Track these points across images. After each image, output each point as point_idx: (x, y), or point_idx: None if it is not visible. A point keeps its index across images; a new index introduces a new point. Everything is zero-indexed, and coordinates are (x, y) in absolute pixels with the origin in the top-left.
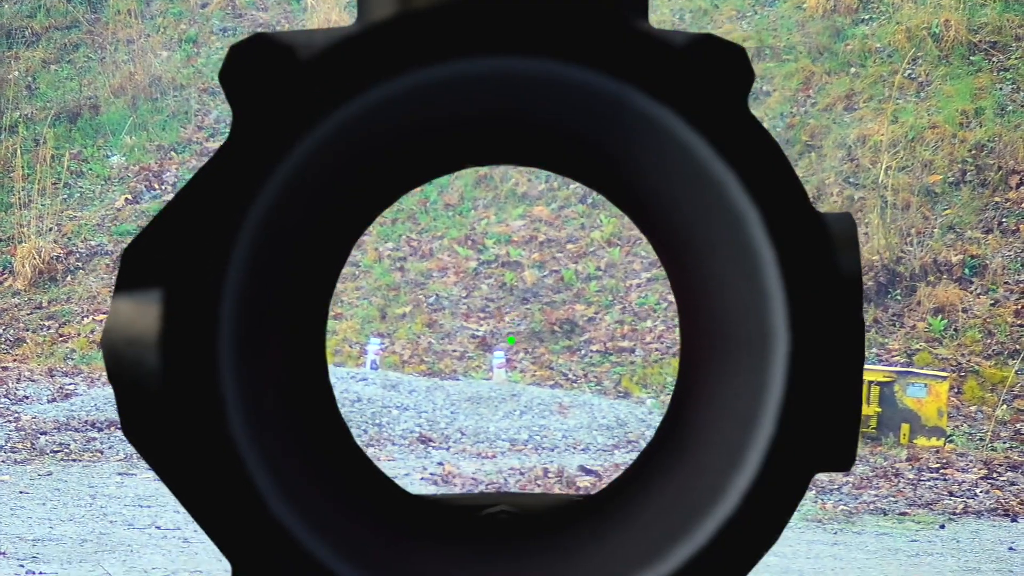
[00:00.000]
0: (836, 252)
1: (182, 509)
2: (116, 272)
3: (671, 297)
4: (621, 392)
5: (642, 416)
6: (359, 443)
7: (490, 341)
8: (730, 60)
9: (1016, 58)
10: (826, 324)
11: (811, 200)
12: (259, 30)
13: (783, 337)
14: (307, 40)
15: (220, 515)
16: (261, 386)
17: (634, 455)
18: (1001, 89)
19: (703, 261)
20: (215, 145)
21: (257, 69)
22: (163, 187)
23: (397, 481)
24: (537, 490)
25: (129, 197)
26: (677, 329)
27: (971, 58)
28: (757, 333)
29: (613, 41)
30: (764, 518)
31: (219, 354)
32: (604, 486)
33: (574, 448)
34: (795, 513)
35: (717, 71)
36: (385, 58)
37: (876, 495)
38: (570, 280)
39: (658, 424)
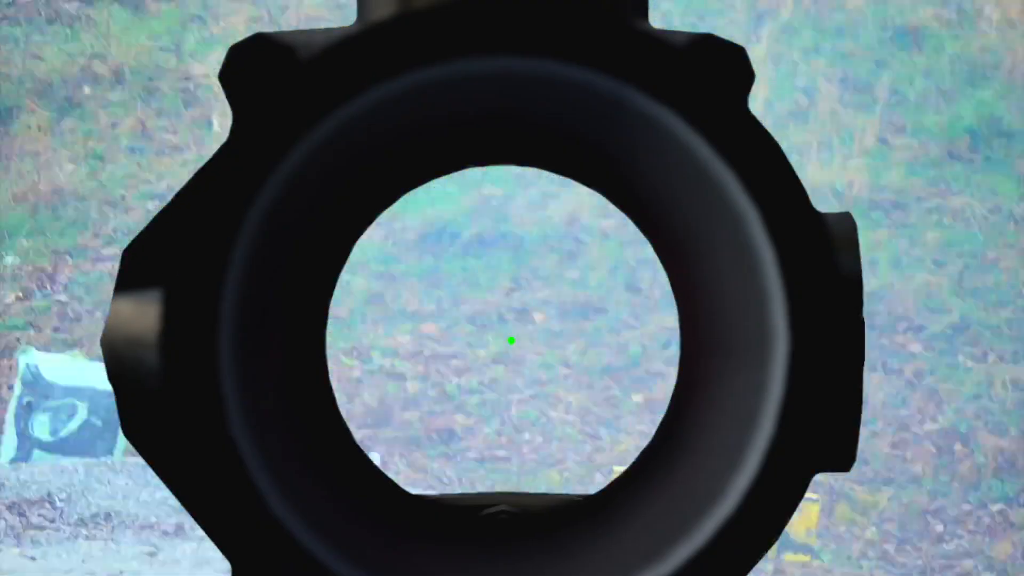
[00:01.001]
0: (836, 252)
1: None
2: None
3: (550, 413)
4: None
5: None
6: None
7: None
8: (730, 60)
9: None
10: (826, 324)
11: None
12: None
13: (783, 337)
14: (307, 40)
15: (220, 515)
16: (261, 386)
17: None
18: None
19: (703, 261)
20: (113, 252)
21: (257, 69)
22: (55, 287)
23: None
24: None
25: (20, 295)
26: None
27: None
28: (757, 333)
29: (613, 41)
30: (764, 518)
31: (219, 354)
32: (604, 486)
33: None
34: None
35: (717, 71)
36: (385, 58)
37: None
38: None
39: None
